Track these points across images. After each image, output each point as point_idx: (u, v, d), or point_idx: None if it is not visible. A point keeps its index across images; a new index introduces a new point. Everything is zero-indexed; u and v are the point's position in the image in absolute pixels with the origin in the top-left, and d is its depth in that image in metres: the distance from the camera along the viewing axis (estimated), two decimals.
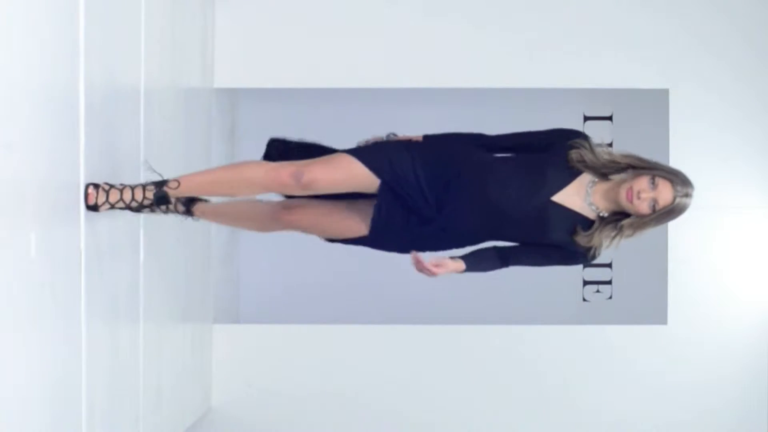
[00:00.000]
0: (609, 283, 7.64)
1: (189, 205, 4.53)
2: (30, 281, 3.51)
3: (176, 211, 4.47)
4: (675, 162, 6.74)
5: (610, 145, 7.37)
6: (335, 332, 6.94)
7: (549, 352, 6.90)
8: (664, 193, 4.00)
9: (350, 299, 8.01)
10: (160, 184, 4.06)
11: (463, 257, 4.14)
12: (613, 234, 4.07)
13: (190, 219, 4.53)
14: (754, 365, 6.85)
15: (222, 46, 6.78)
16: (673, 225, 6.09)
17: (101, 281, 4.24)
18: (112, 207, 4.01)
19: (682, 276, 6.88)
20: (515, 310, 7.76)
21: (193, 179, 4.13)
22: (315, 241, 4.55)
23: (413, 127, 7.57)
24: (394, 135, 4.24)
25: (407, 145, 4.17)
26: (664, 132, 6.82)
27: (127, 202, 4.02)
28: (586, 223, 4.09)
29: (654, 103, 6.97)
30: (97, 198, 3.96)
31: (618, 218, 4.08)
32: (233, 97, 7.72)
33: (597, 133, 7.41)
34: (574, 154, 4.08)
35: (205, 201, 4.58)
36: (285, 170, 4.06)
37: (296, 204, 4.36)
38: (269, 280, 8.14)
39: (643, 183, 3.99)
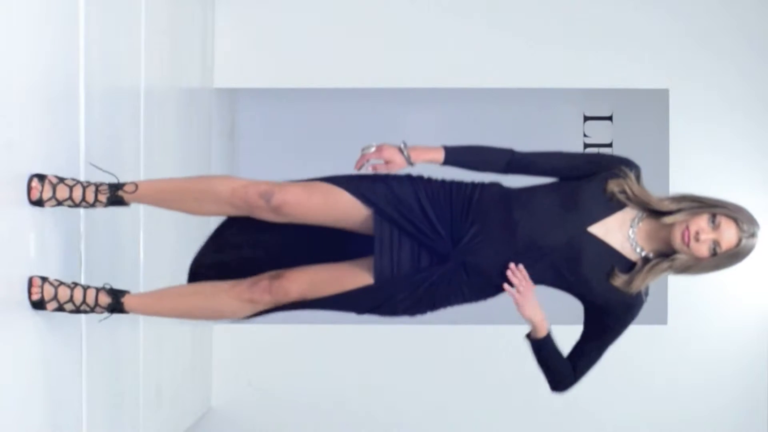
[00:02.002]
0: None
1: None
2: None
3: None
4: (675, 162, 6.75)
5: (610, 145, 7.38)
6: (335, 332, 6.93)
7: None
8: (728, 233, 3.44)
9: None
10: (115, 188, 3.58)
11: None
12: (661, 268, 3.52)
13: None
14: (754, 365, 6.85)
15: (222, 46, 6.77)
16: None
17: (101, 281, 4.23)
18: (59, 204, 3.55)
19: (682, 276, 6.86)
20: (515, 310, 7.73)
21: (153, 185, 3.65)
22: None
23: (413, 126, 7.65)
24: (405, 145, 3.55)
25: (408, 177, 3.56)
26: (664, 132, 6.82)
27: (77, 201, 3.55)
28: (627, 265, 3.55)
29: (654, 103, 6.97)
30: (42, 192, 3.48)
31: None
32: (233, 97, 7.71)
33: (597, 133, 7.43)
34: (614, 185, 3.51)
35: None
36: (254, 188, 3.53)
37: (287, 270, 3.63)
38: None
39: (702, 222, 3.43)
